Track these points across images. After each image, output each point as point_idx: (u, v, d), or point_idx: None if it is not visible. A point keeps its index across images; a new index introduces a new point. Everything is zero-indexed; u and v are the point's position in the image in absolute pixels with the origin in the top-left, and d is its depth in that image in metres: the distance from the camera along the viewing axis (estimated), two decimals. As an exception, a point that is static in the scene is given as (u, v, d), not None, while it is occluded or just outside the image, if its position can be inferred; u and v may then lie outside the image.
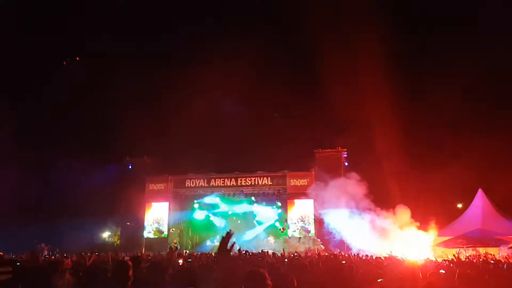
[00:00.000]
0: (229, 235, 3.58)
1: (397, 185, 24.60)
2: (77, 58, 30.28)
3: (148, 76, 33.15)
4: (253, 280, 3.69)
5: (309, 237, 27.55)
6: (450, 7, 32.52)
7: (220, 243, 3.55)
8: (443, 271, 7.66)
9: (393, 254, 14.65)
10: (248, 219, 30.38)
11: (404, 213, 22.96)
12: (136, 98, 30.08)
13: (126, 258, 9.37)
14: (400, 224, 22.77)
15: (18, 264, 5.86)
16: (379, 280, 5.25)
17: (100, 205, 29.15)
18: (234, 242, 3.65)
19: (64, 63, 30.37)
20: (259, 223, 30.05)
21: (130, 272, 4.40)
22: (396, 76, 28.40)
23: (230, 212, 30.55)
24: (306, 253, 19.70)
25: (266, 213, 30.12)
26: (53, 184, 27.61)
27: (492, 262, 12.05)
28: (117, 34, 31.32)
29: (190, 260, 10.72)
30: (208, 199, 30.98)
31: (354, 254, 16.87)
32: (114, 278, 4.46)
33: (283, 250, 15.83)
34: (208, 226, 30.62)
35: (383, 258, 12.90)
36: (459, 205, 29.21)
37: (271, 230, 29.75)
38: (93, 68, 30.23)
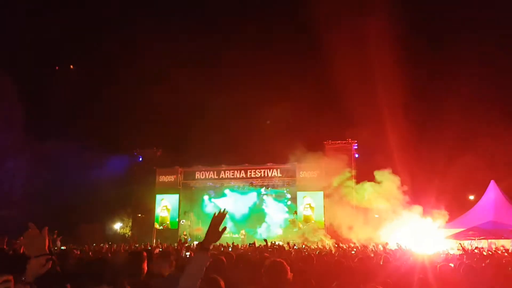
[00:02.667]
0: (222, 215, 3.06)
1: (408, 177, 24.43)
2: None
3: (158, 68, 33.20)
4: (275, 271, 3.65)
5: (318, 229, 27.50)
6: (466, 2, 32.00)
7: (213, 223, 3.00)
8: (452, 265, 7.61)
9: (402, 246, 14.59)
10: (258, 211, 30.43)
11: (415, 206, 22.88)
12: (147, 90, 30.17)
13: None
14: (411, 215, 22.69)
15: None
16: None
17: (111, 197, 29.44)
18: (225, 227, 2.99)
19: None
20: (269, 215, 30.08)
21: (144, 265, 4.38)
22: (408, 67, 28.14)
23: (239, 204, 30.60)
24: (317, 245, 19.70)
25: (276, 205, 30.14)
26: (64, 176, 27.90)
27: (506, 254, 11.93)
28: (131, 25, 31.39)
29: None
30: (217, 191, 31.12)
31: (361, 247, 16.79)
32: (127, 270, 4.44)
33: (288, 243, 15.82)
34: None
35: (392, 249, 12.86)
36: (471, 197, 28.94)
37: (280, 222, 29.76)
38: (104, 60, 30.36)
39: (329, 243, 21.98)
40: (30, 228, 2.71)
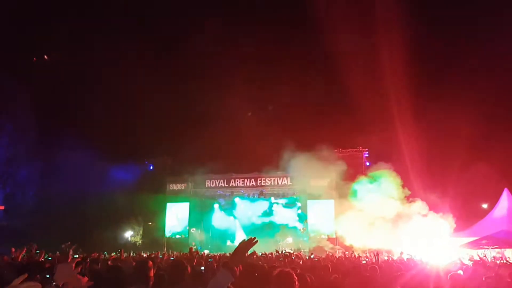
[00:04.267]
0: (252, 242, 3.27)
1: (419, 186, 24.16)
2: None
3: (168, 78, 33.45)
4: (282, 281, 3.68)
5: (329, 237, 27.30)
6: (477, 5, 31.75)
7: (241, 246, 3.24)
8: (461, 272, 7.50)
9: (414, 256, 14.39)
10: (268, 220, 30.29)
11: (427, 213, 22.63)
12: (157, 99, 30.32)
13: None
14: (423, 224, 22.44)
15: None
16: None
17: (122, 205, 29.57)
18: (254, 251, 3.43)
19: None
20: (279, 224, 29.91)
21: (151, 273, 4.40)
22: (419, 74, 27.98)
23: (249, 213, 30.53)
24: (327, 254, 19.52)
25: (286, 214, 29.99)
26: (75, 185, 28.09)
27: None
28: (142, 34, 31.68)
29: (211, 260, 10.74)
30: (227, 199, 31.10)
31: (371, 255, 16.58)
32: (135, 278, 4.47)
33: (299, 252, 15.68)
34: (228, 226, 30.67)
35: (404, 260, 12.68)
36: (484, 205, 28.52)
37: (291, 230, 29.59)
38: (115, 69, 30.64)
39: (339, 252, 21.80)
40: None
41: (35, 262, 7.26)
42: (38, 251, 10.02)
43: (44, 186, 27.92)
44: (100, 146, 30.16)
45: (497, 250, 19.22)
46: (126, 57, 30.02)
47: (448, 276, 6.13)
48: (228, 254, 15.59)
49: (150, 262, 4.55)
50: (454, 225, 22.80)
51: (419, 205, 23.30)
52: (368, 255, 17.35)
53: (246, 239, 3.29)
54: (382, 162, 25.58)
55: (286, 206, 30.06)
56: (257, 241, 3.29)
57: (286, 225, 29.61)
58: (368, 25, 28.62)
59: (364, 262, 13.36)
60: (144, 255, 18.06)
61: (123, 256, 11.66)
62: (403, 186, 24.08)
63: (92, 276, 5.57)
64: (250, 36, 31.51)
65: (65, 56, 32.54)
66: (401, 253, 14.07)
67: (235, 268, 3.16)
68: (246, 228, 29.88)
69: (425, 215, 22.97)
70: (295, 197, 30.00)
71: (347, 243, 24.83)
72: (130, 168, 31.73)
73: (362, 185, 25.84)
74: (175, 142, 31.55)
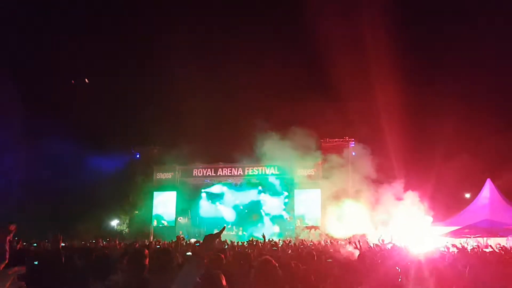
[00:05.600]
0: (219, 232, 3.39)
1: (404, 175, 24.49)
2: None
3: (156, 66, 33.17)
4: (264, 269, 3.76)
5: (315, 226, 27.57)
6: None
7: (209, 236, 3.27)
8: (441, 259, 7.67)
9: (397, 243, 14.62)
10: (255, 209, 30.46)
11: (413, 202, 22.96)
12: (144, 87, 30.11)
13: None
14: (408, 213, 22.76)
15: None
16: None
17: (108, 194, 29.41)
18: (226, 240, 3.52)
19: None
20: (266, 213, 30.10)
21: (146, 261, 4.43)
22: (405, 65, 28.20)
23: (237, 202, 30.66)
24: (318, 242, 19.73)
25: (273, 203, 30.18)
26: (61, 173, 27.86)
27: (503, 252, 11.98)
28: (129, 21, 31.29)
29: (198, 244, 10.81)
30: (215, 189, 31.13)
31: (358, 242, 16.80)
32: (130, 267, 4.49)
33: (285, 240, 15.81)
34: (215, 215, 30.77)
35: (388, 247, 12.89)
36: (467, 195, 29.04)
37: (278, 219, 29.81)
38: (102, 58, 30.30)
39: (324, 240, 22.05)
40: None
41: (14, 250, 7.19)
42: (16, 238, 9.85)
43: (29, 174, 27.59)
44: (86, 134, 29.92)
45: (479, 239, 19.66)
46: (114, 45, 29.67)
47: (428, 263, 6.27)
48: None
49: (146, 250, 4.57)
50: (431, 212, 23.16)
51: (397, 189, 23.61)
52: (353, 242, 17.59)
53: (220, 230, 3.41)
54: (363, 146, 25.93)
55: (273, 195, 30.22)
56: (224, 227, 3.51)
57: (274, 215, 29.82)
58: (355, 13, 28.68)
59: (349, 249, 13.56)
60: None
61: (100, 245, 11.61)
62: (388, 175, 24.37)
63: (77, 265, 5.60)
64: (233, 28, 31.48)
65: (53, 43, 32.05)
66: (382, 240, 14.29)
67: (204, 257, 3.16)
68: (232, 217, 30.05)
69: (401, 199, 23.26)
70: (282, 187, 30.14)
71: (333, 231, 25.12)
72: (116, 157, 31.51)
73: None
74: (162, 131, 31.38)
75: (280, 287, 3.94)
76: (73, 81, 30.82)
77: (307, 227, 27.35)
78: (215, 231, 3.34)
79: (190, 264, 3.04)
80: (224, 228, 3.57)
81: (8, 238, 3.32)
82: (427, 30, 32.28)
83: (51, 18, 30.89)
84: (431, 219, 23.16)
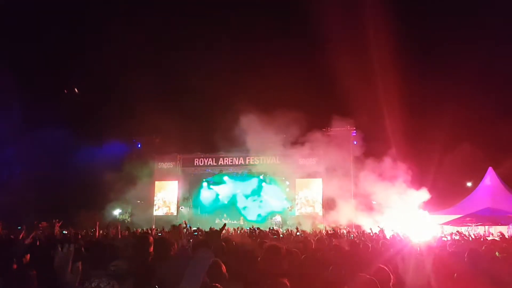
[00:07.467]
0: (222, 228, 3.87)
1: (406, 164, 24.45)
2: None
3: (156, 55, 33.00)
4: (272, 254, 3.79)
5: (316, 215, 27.64)
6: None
7: (214, 231, 3.72)
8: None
9: (399, 232, 14.64)
10: (256, 198, 30.51)
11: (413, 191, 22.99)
12: (145, 77, 29.94)
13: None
14: (409, 202, 22.80)
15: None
16: None
17: (110, 183, 29.45)
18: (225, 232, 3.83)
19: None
20: (267, 202, 30.13)
21: (151, 248, 4.45)
22: (407, 53, 27.97)
23: (238, 191, 30.70)
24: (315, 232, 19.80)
25: (274, 192, 30.21)
26: (62, 163, 27.90)
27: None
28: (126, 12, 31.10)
29: (196, 234, 10.86)
30: (216, 178, 31.18)
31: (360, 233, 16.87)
32: (134, 253, 4.50)
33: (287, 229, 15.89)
34: (217, 204, 30.86)
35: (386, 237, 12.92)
36: (469, 184, 29.04)
37: (279, 209, 29.86)
38: (103, 47, 30.16)
39: (326, 229, 22.12)
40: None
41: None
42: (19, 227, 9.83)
43: (31, 164, 27.63)
44: (88, 124, 29.90)
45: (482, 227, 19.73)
46: (113, 34, 29.45)
47: (429, 251, 6.27)
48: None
49: (151, 238, 4.59)
50: (432, 200, 23.20)
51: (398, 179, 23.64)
52: (355, 232, 17.67)
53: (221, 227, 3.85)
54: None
55: (275, 184, 30.24)
56: (225, 225, 4.09)
57: (275, 203, 29.86)
58: (355, 4, 28.30)
59: (351, 238, 13.62)
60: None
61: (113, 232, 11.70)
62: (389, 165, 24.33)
63: (82, 252, 5.62)
64: (236, 20, 31.29)
65: (51, 33, 31.88)
66: (382, 229, 14.34)
67: (211, 247, 3.29)
68: (234, 206, 30.14)
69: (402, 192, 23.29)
70: (283, 176, 30.13)
71: (335, 220, 25.20)
72: (118, 147, 31.54)
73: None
74: (163, 120, 31.30)
75: (286, 272, 3.93)
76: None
77: (308, 216, 27.43)
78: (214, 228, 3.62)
79: (204, 252, 3.09)
80: (224, 225, 4.01)
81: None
82: (429, 16, 31.96)
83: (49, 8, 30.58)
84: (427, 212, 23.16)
